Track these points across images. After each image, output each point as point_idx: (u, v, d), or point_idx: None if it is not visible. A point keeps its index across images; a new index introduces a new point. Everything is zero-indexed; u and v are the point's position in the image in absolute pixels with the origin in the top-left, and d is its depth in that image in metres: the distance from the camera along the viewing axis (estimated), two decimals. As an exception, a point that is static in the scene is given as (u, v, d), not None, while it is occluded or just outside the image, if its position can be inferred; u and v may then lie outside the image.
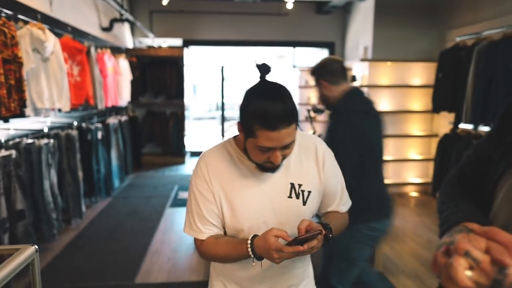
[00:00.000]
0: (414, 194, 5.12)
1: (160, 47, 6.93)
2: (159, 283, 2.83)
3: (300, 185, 1.10)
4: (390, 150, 5.07)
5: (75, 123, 4.21)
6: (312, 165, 1.14)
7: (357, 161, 1.77)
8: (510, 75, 3.23)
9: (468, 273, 0.50)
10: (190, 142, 7.73)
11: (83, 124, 4.35)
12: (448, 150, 3.99)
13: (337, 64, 1.91)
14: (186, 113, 7.06)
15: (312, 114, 4.18)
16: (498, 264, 0.49)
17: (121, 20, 5.36)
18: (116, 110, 5.74)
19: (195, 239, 1.13)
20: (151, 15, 6.61)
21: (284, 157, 1.02)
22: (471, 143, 3.72)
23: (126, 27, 6.31)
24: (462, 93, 3.68)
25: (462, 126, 3.93)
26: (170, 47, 6.87)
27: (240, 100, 1.03)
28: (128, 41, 6.54)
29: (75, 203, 3.89)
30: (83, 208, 4.02)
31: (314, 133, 4.22)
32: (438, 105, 4.21)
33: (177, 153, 6.94)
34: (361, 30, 5.81)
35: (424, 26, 5.16)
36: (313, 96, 6.41)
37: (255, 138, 0.97)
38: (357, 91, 1.95)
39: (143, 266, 3.08)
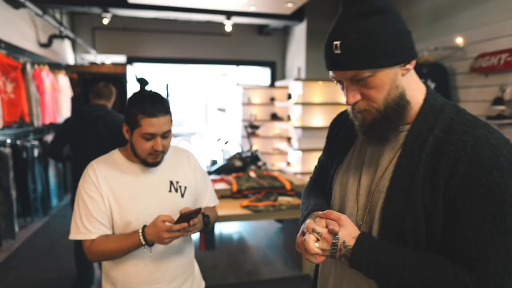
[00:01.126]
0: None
1: (103, 64, 6.91)
2: (95, 297, 2.87)
3: (177, 182, 1.34)
4: (324, 162, 5.45)
5: (9, 141, 4.11)
6: (186, 168, 1.40)
7: None
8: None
9: (316, 244, 0.80)
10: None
11: (18, 142, 4.26)
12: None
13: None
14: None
15: (249, 129, 4.45)
16: (333, 232, 0.79)
17: (61, 36, 5.33)
18: (55, 127, 5.63)
19: (84, 242, 1.23)
20: (94, 32, 6.60)
21: (164, 149, 1.25)
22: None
23: (66, 43, 6.25)
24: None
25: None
26: (114, 64, 6.87)
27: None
28: (69, 58, 6.47)
29: (7, 223, 3.77)
30: (16, 228, 3.91)
31: (251, 147, 4.48)
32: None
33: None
34: (296, 51, 6.25)
35: (351, 49, 5.68)
36: (255, 113, 6.71)
37: (139, 127, 1.21)
38: None
39: (79, 282, 3.09)
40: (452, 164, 0.72)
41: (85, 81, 6.63)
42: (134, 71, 7.14)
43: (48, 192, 4.84)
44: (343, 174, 0.94)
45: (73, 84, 5.91)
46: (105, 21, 5.44)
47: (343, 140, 0.99)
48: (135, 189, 1.28)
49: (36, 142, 4.54)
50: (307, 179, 4.84)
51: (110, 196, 1.25)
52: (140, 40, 6.87)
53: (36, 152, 4.45)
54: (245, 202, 3.06)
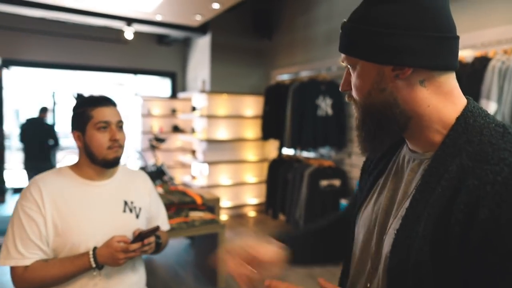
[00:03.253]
0: (252, 214, 5.66)
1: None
2: None
3: (132, 202, 1.28)
4: (229, 174, 5.51)
5: None
6: (141, 189, 1.35)
7: None
8: (315, 110, 4.03)
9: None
10: (12, 177, 6.63)
11: None
12: (275, 172, 4.63)
13: None
14: (7, 142, 6.07)
15: (154, 143, 4.25)
16: None
17: None
18: None
19: (14, 270, 1.08)
20: (-44, 27, 5.55)
21: (121, 142, 1.21)
22: (292, 165, 4.42)
23: None
24: (283, 123, 4.37)
25: (285, 151, 4.63)
26: (-16, 67, 5.86)
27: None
28: None
29: None
30: None
31: (156, 161, 4.27)
32: (266, 134, 4.86)
33: (-7, 190, 5.84)
34: (199, 63, 6.24)
35: (253, 64, 5.93)
36: (156, 125, 6.44)
37: (92, 119, 1.18)
38: None
39: None
40: (473, 205, 0.53)
41: None
42: (13, 76, 6.21)
43: None
44: (364, 212, 0.78)
45: None
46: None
47: (370, 174, 0.82)
48: (86, 208, 1.17)
49: None
50: (215, 192, 4.82)
51: (55, 216, 1.12)
52: (20, 41, 6.01)
53: None
54: (155, 220, 2.89)
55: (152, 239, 1.18)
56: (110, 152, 1.20)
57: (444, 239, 0.55)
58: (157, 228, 1.16)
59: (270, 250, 0.83)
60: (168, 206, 3.10)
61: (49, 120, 5.72)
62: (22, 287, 1.10)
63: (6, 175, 6.00)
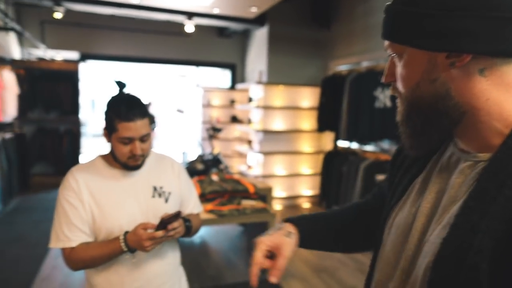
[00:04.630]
0: (306, 205, 5.65)
1: (53, 60, 6.51)
2: (48, 310, 2.69)
3: (161, 187, 1.33)
4: (284, 165, 5.55)
5: None
6: (170, 174, 1.39)
7: None
8: (372, 102, 3.89)
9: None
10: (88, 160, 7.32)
11: (-44, 143, 3.89)
12: (330, 164, 4.57)
13: None
14: (83, 129, 6.70)
15: (211, 132, 4.41)
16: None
17: (5, 28, 4.95)
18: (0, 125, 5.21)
19: (64, 250, 1.21)
20: (43, 25, 6.20)
21: (143, 152, 1.24)
22: (347, 158, 4.33)
23: (12, 36, 5.81)
24: (339, 115, 4.28)
25: (341, 144, 4.55)
26: (65, 60, 6.50)
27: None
28: (15, 52, 6.02)
29: None
30: (-45, 237, 3.57)
31: (213, 150, 4.44)
32: (322, 126, 4.80)
33: (72, 173, 6.49)
34: (257, 55, 6.30)
35: (310, 55, 5.85)
36: (215, 115, 6.67)
37: (116, 132, 1.20)
38: None
39: (29, 295, 2.88)
40: None
41: (33, 78, 6.22)
42: (89, 69, 6.81)
43: (-10, 197, 4.47)
44: (399, 212, 0.71)
45: (20, 80, 5.52)
46: (58, 15, 5.13)
47: (408, 169, 0.74)
48: (117, 194, 1.26)
49: (-23, 143, 4.18)
50: (269, 182, 4.89)
51: (92, 203, 1.22)
52: (94, 36, 6.56)
53: (-23, 154, 4.09)
54: (209, 206, 3.03)
55: (176, 224, 1.18)
56: (129, 161, 1.24)
57: (508, 258, 0.47)
58: (178, 213, 1.17)
59: (289, 245, 0.79)
60: (222, 193, 3.22)
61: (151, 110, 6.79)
62: (71, 266, 1.22)
63: (82, 159, 6.64)
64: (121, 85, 1.31)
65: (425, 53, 0.57)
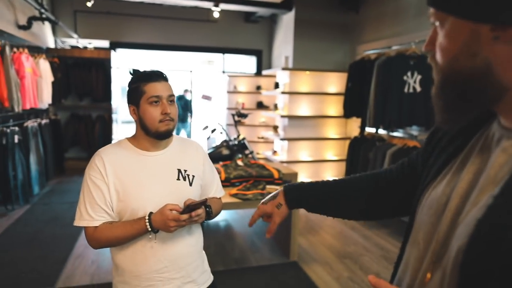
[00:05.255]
0: (331, 192, 5.60)
1: (85, 48, 6.71)
2: (81, 285, 2.84)
3: (185, 170, 1.35)
4: (310, 151, 5.51)
5: (-12, 126, 3.98)
6: (194, 157, 1.41)
7: None
8: (402, 87, 3.78)
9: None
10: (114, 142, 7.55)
11: (-3, 128, 4.12)
12: (357, 150, 4.50)
13: None
14: (114, 116, 6.91)
15: (237, 118, 4.44)
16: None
17: (41, 18, 5.14)
18: (35, 112, 5.47)
19: (86, 229, 1.25)
20: (75, 14, 6.39)
21: (172, 115, 1.29)
22: (374, 144, 4.25)
23: (47, 26, 6.04)
24: (366, 101, 4.18)
25: (368, 129, 4.46)
26: (96, 49, 6.68)
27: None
28: (50, 41, 6.26)
29: (-12, 210, 3.68)
30: (-3, 216, 3.81)
31: (238, 136, 4.47)
32: (348, 111, 4.71)
33: (104, 158, 6.73)
34: (283, 40, 6.23)
35: (338, 40, 5.72)
36: (241, 101, 6.68)
37: (144, 94, 1.26)
38: None
39: (65, 271, 3.05)
40: None
41: (67, 66, 6.46)
42: (120, 57, 6.98)
43: (29, 180, 4.72)
44: (432, 192, 0.68)
45: (54, 68, 5.74)
46: (89, 4, 5.26)
47: (445, 148, 0.71)
48: (143, 176, 1.28)
49: (16, 128, 4.41)
50: (294, 168, 4.88)
51: (117, 183, 1.25)
52: (123, 25, 6.70)
53: (16, 138, 4.33)
54: (233, 190, 3.07)
55: (200, 210, 1.22)
56: (161, 125, 1.27)
57: None
58: (205, 201, 1.20)
59: (278, 215, 0.98)
60: (247, 178, 3.26)
61: (188, 97, 8.31)
62: (93, 245, 1.26)
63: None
64: (136, 72, 1.36)
65: (468, 24, 0.53)
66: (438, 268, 0.59)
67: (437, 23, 0.59)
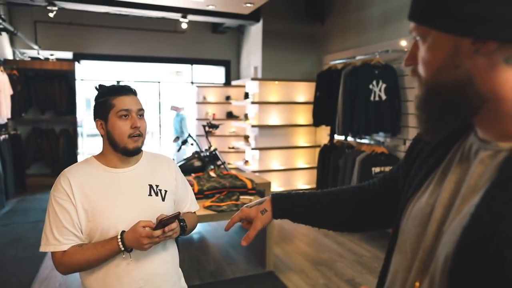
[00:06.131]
0: (303, 199, 5.67)
1: (47, 60, 6.47)
2: (49, 310, 2.70)
3: (157, 186, 1.32)
4: (281, 160, 5.56)
5: None
6: (166, 172, 1.38)
7: None
8: (368, 95, 3.91)
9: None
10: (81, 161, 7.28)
11: (-49, 145, 3.86)
12: (327, 158, 4.59)
13: None
14: (79, 129, 6.68)
15: (208, 129, 4.41)
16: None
17: (-2, 29, 4.92)
18: (-7, 128, 5.18)
19: (54, 255, 1.19)
20: (35, 25, 6.16)
21: (142, 130, 1.26)
22: (344, 151, 4.35)
23: (4, 36, 5.77)
24: (335, 109, 4.29)
25: (337, 137, 4.56)
26: (59, 60, 6.46)
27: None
28: (7, 52, 5.98)
29: None
30: (-47, 240, 3.56)
31: (210, 147, 4.45)
32: (317, 120, 4.81)
33: (68, 173, 6.47)
34: (252, 51, 6.30)
35: (305, 50, 5.85)
36: (210, 112, 6.66)
37: (114, 107, 1.23)
38: None
39: (30, 295, 2.89)
40: None
41: (27, 78, 6.19)
42: (84, 68, 6.78)
43: (-13, 199, 4.45)
44: (416, 203, 0.71)
45: (13, 81, 5.48)
46: (51, 15, 5.09)
47: (426, 160, 0.74)
48: (112, 194, 1.24)
49: (-28, 145, 4.15)
50: (266, 177, 4.90)
51: (85, 204, 1.20)
52: (87, 36, 6.53)
53: (-27, 156, 4.07)
54: (207, 202, 3.04)
55: (174, 225, 1.19)
56: (130, 141, 1.24)
57: None
58: (178, 214, 1.18)
59: (261, 221, 0.94)
60: (220, 189, 3.24)
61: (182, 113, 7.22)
62: (62, 270, 1.20)
63: (79, 159, 6.62)
64: (103, 86, 1.35)
65: (450, 38, 0.56)
66: (426, 276, 0.61)
67: (418, 38, 0.61)
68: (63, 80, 6.40)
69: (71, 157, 6.45)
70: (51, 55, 6.56)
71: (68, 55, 6.54)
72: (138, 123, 1.25)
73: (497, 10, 0.51)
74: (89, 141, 7.87)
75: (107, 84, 1.32)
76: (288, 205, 0.95)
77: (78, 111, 6.47)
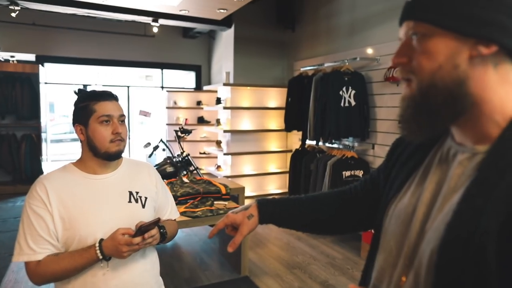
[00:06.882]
0: (275, 203, 5.72)
1: (7, 62, 6.17)
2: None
3: (137, 192, 1.31)
4: (253, 165, 5.60)
5: None
6: (146, 179, 1.37)
7: None
8: (338, 101, 4.03)
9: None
10: (49, 167, 6.99)
11: None
12: (298, 162, 4.67)
13: None
14: (43, 135, 6.40)
15: (180, 134, 4.38)
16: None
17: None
18: None
19: (28, 265, 1.14)
20: (-5, 26, 5.86)
21: (122, 136, 1.25)
22: (315, 156, 4.45)
23: (-39, 37, 5.46)
24: (306, 114, 4.39)
25: (308, 142, 4.66)
26: (20, 62, 6.18)
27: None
28: (-36, 54, 5.65)
29: None
30: None
31: (182, 153, 4.41)
32: (289, 125, 4.89)
33: (31, 181, 6.09)
34: (223, 56, 6.31)
35: (276, 56, 5.94)
36: (181, 117, 6.60)
37: (95, 113, 1.22)
38: None
39: (-8, 310, 2.73)
40: None
41: (-14, 81, 5.87)
42: (48, 71, 6.52)
43: None
44: (399, 203, 0.74)
45: (-29, 84, 5.19)
46: (13, 15, 4.87)
47: (406, 163, 0.77)
48: (91, 201, 1.21)
49: None
50: (238, 182, 4.91)
51: (63, 211, 1.16)
52: (52, 38, 6.30)
53: None
54: (181, 208, 3.01)
55: (153, 231, 1.18)
56: (112, 145, 1.23)
57: (509, 237, 0.50)
58: (157, 220, 1.17)
59: (247, 226, 0.92)
60: (194, 195, 3.22)
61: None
62: (37, 281, 1.16)
63: (43, 166, 6.34)
64: (84, 91, 1.33)
65: (453, 37, 0.57)
66: (411, 270, 0.65)
67: (414, 36, 0.61)
68: (26, 83, 6.12)
69: (34, 164, 6.16)
70: (12, 56, 6.26)
71: (31, 57, 6.27)
72: (120, 128, 1.24)
73: (501, 18, 0.55)
74: (54, 147, 7.55)
75: (87, 89, 1.30)
76: (274, 210, 0.96)
77: (42, 115, 6.20)
